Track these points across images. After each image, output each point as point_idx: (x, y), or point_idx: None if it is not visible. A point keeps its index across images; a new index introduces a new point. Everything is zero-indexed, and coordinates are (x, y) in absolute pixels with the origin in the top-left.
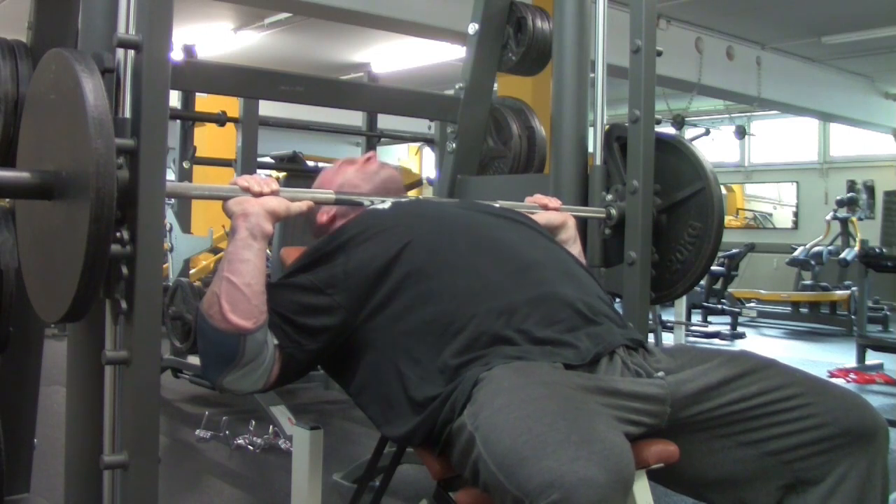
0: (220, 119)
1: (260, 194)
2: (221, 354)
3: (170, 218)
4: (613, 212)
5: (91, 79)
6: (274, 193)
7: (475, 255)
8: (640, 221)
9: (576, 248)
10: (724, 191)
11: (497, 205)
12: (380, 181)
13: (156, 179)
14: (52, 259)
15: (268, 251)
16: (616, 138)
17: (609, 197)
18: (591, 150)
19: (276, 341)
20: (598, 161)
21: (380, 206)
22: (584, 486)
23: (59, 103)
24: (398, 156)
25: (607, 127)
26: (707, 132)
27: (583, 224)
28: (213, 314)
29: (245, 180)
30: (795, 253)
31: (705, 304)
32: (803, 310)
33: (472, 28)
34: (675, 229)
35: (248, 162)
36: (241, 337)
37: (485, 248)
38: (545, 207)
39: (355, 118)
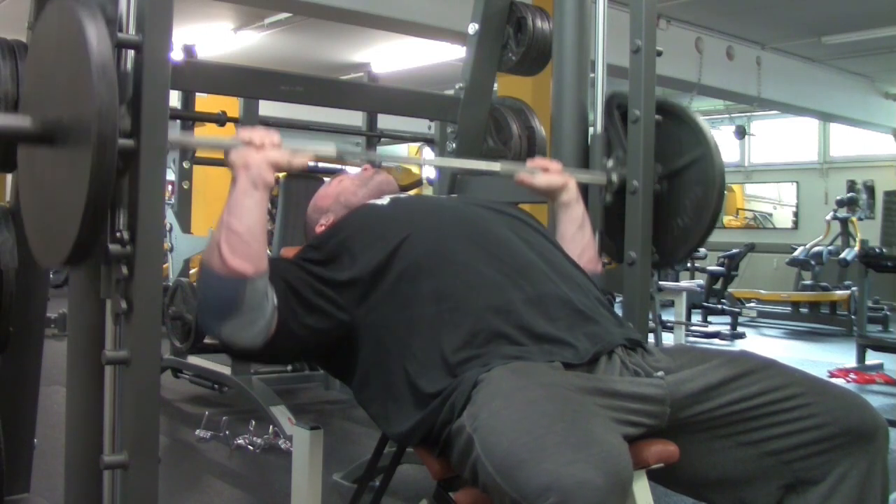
0: (220, 119)
1: (262, 147)
2: (221, 301)
3: (170, 218)
4: (614, 178)
5: (94, 24)
6: (276, 147)
7: (474, 252)
8: (641, 221)
9: (579, 209)
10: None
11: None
12: (375, 185)
13: (156, 179)
14: (54, 205)
15: (268, 251)
16: (617, 106)
17: (610, 164)
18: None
19: (275, 301)
20: (599, 129)
21: (378, 203)
22: (581, 489)
23: (61, 49)
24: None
25: (609, 94)
26: None
27: (584, 190)
28: (214, 261)
29: (248, 134)
30: (795, 253)
31: (705, 304)
32: (803, 310)
33: (472, 28)
34: (675, 196)
35: None
36: (242, 283)
37: (483, 245)
38: (545, 170)
39: (355, 118)
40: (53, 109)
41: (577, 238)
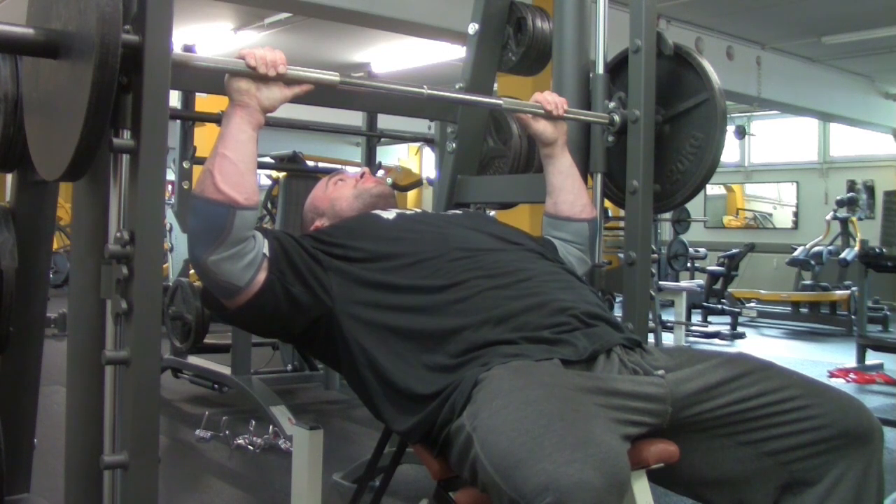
0: (220, 119)
1: (265, 77)
2: (210, 227)
3: (170, 218)
4: (616, 118)
5: None
6: (279, 77)
7: (473, 270)
8: (640, 221)
9: (564, 161)
10: (723, 191)
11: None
12: (371, 199)
13: (156, 179)
14: (56, 116)
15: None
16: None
17: (612, 104)
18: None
19: (266, 251)
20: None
21: (384, 215)
22: (578, 489)
23: None
24: (398, 156)
25: None
26: None
27: (586, 131)
28: (206, 187)
29: (253, 58)
30: (795, 253)
31: (705, 304)
32: (803, 310)
33: (472, 28)
34: (676, 140)
35: None
36: (231, 209)
37: (483, 264)
38: (549, 115)
39: (355, 118)
40: (57, 22)
41: (567, 186)
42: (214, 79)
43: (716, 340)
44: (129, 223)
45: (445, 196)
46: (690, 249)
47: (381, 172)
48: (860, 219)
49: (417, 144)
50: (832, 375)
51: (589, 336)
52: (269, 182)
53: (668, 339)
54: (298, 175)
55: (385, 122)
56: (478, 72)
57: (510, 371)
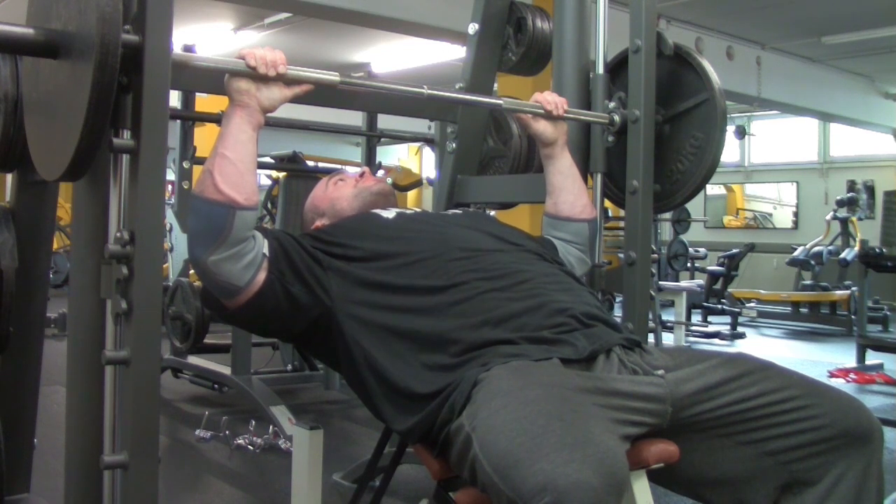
0: (220, 119)
1: (265, 77)
2: (210, 227)
3: (170, 218)
4: (616, 118)
5: None
6: (279, 77)
7: (473, 271)
8: (640, 221)
9: (564, 161)
10: (723, 191)
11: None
12: (370, 198)
13: (156, 179)
14: (56, 116)
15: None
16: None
17: (612, 104)
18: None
19: (265, 251)
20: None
21: (383, 214)
22: (576, 490)
23: None
24: (398, 156)
25: None
26: None
27: (586, 131)
28: (206, 187)
29: (253, 58)
30: (795, 253)
31: (705, 304)
32: (803, 310)
33: (472, 28)
34: (676, 140)
35: None
36: (231, 209)
37: (483, 265)
38: (549, 115)
39: (355, 118)
40: (57, 22)
41: (567, 186)
42: (214, 79)
43: (716, 340)
44: (129, 223)
45: (445, 196)
46: (690, 249)
47: (381, 172)
48: (860, 219)
49: (417, 144)
50: (832, 375)
51: (588, 336)
52: (269, 182)
53: (668, 339)
54: (298, 175)
55: (385, 122)
56: (478, 72)
57: (509, 371)
